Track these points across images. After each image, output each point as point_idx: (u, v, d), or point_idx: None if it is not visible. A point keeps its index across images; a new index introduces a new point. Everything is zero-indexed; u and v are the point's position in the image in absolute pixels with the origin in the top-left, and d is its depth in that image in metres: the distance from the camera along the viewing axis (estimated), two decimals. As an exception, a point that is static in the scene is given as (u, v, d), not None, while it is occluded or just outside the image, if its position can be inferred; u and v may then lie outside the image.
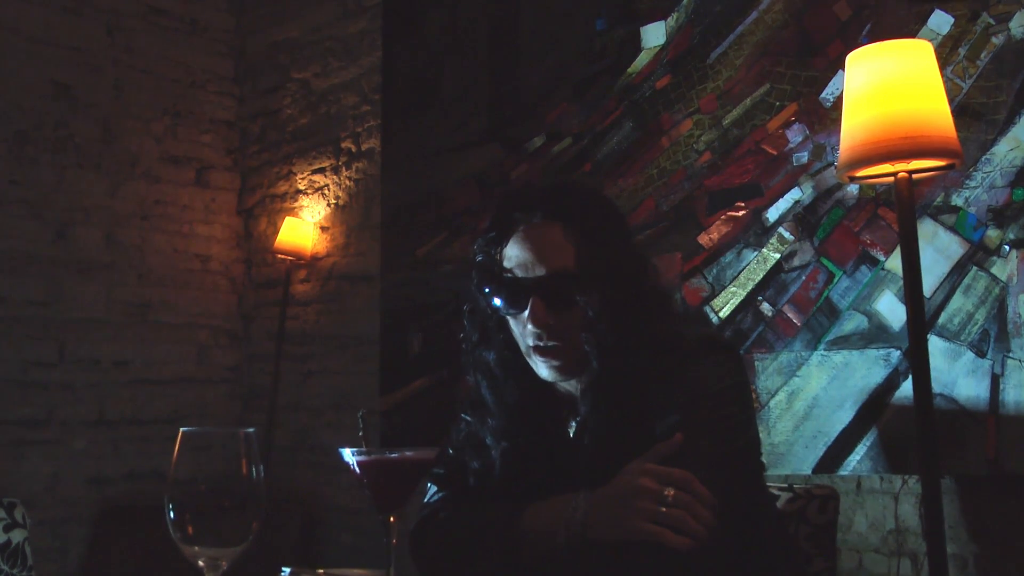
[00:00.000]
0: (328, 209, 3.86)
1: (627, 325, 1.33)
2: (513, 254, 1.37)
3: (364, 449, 1.14)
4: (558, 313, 1.33)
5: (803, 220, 2.54)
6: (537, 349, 1.35)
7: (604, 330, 1.32)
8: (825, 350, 2.45)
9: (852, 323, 2.42)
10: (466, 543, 1.34)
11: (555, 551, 1.22)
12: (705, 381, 1.30)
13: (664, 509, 1.16)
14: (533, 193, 1.42)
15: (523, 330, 1.36)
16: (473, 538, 1.33)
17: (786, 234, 2.56)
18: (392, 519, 1.14)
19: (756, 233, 2.62)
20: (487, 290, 1.39)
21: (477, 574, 1.34)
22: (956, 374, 2.24)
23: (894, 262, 2.35)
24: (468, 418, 1.46)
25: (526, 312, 1.34)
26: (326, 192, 3.88)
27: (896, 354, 2.35)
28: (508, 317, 1.39)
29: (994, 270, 2.22)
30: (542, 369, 1.37)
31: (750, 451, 1.35)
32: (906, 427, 2.29)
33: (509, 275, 1.36)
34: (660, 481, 1.18)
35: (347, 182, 3.81)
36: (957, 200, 2.28)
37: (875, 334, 2.38)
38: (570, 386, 1.41)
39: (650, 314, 1.37)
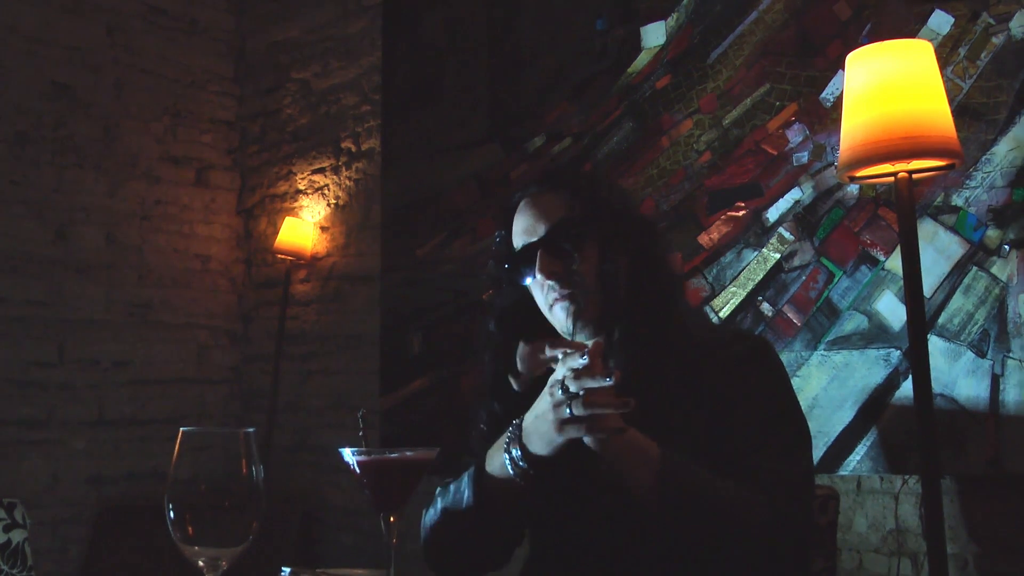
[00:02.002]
0: (328, 209, 3.86)
1: (638, 268, 1.40)
2: (518, 228, 1.45)
3: (364, 449, 1.14)
4: (567, 263, 1.38)
5: (803, 220, 2.54)
6: (555, 300, 1.39)
7: (612, 269, 1.38)
8: (825, 350, 2.45)
9: (852, 323, 2.42)
10: (447, 505, 1.40)
11: (513, 486, 1.29)
12: (775, 384, 1.37)
13: (575, 413, 1.18)
14: (529, 176, 1.50)
15: (542, 292, 1.41)
16: (451, 497, 1.39)
17: (786, 234, 2.56)
18: (392, 519, 1.14)
19: (756, 233, 2.62)
20: (506, 267, 1.46)
21: (460, 531, 1.38)
22: (956, 374, 2.24)
23: (894, 262, 2.35)
24: (491, 407, 1.49)
25: (535, 268, 1.39)
26: (326, 192, 3.88)
27: (896, 354, 2.35)
28: (533, 288, 1.44)
29: (994, 270, 2.22)
30: (560, 315, 1.40)
31: (811, 441, 1.41)
32: (906, 427, 2.29)
33: (518, 246, 1.44)
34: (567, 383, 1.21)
35: (347, 182, 3.81)
36: (957, 200, 2.28)
37: (875, 334, 2.38)
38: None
39: (663, 265, 1.45)
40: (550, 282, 1.38)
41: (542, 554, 1.44)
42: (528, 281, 1.43)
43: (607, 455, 1.23)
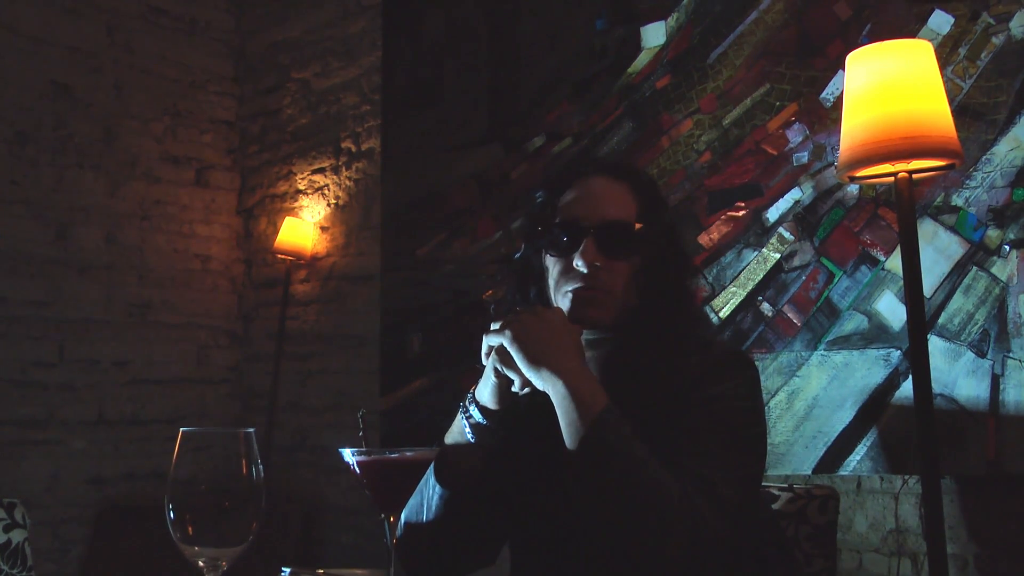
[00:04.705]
0: (328, 209, 3.86)
1: (668, 292, 1.39)
2: (573, 198, 1.40)
3: (364, 449, 1.14)
4: (606, 261, 1.35)
5: (803, 220, 2.54)
6: (576, 291, 1.36)
7: (648, 289, 1.37)
8: (825, 350, 2.45)
9: (852, 323, 2.42)
10: (414, 501, 1.39)
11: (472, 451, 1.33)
12: (738, 398, 1.33)
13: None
14: (599, 159, 1.48)
15: (565, 274, 1.37)
16: (418, 491, 1.39)
17: (786, 234, 2.56)
18: (392, 519, 1.14)
19: (756, 233, 2.62)
20: (539, 230, 1.42)
21: (428, 524, 1.37)
22: (956, 374, 2.24)
23: (894, 262, 2.35)
24: None
25: (577, 252, 1.35)
26: (326, 192, 3.88)
27: (896, 354, 2.35)
28: (550, 261, 1.40)
29: (994, 270, 2.22)
30: (566, 304, 1.36)
31: (762, 463, 1.39)
32: (906, 427, 2.29)
33: (565, 218, 1.39)
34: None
35: (347, 182, 3.81)
36: (957, 200, 2.28)
37: (875, 334, 2.38)
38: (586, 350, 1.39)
39: (687, 296, 1.43)
40: (583, 271, 1.34)
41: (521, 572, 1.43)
42: (552, 254, 1.39)
43: (555, 400, 1.24)
